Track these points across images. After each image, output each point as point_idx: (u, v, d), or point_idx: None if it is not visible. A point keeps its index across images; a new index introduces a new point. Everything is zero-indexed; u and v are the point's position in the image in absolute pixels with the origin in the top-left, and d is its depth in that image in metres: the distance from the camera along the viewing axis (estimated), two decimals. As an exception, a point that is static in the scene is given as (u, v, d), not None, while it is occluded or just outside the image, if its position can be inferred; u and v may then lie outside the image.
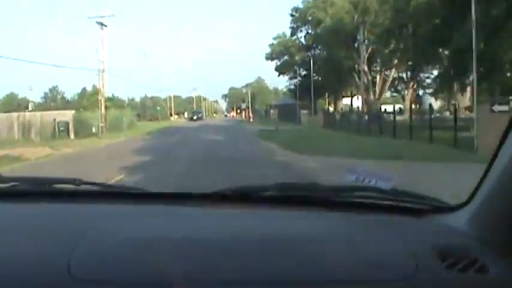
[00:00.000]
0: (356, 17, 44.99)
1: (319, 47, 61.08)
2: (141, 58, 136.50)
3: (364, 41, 41.43)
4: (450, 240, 1.26)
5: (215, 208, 1.54)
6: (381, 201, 1.53)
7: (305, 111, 45.09)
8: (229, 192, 1.57)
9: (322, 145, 18.07)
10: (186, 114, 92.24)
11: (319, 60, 57.03)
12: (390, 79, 50.12)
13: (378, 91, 49.42)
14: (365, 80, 46.38)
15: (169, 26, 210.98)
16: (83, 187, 1.66)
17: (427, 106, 44.27)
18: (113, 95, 74.55)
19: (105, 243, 1.22)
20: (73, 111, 35.86)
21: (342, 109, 45.51)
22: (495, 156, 1.23)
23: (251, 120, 58.29)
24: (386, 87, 50.95)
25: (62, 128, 32.50)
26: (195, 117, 77.55)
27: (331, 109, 52.69)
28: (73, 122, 32.89)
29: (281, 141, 20.24)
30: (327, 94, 61.77)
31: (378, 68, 49.77)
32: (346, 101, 64.78)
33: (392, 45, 29.97)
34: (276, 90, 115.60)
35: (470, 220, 1.30)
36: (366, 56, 44.58)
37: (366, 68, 44.96)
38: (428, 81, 55.89)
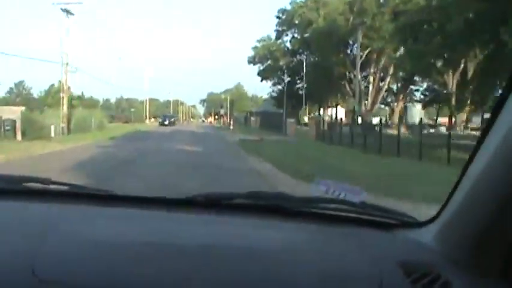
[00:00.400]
0: (351, 19, 41.04)
1: (305, 52, 57.20)
2: (119, 59, 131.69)
3: (360, 45, 37.25)
4: (416, 256, 1.26)
5: (185, 213, 1.52)
6: (350, 214, 1.51)
7: (292, 120, 40.66)
8: (199, 198, 1.55)
9: (340, 170, 12.44)
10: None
11: (307, 66, 52.96)
12: (384, 89, 46.44)
13: (370, 102, 45.66)
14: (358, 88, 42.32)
15: (150, 27, 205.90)
16: (52, 187, 1.65)
17: (413, 119, 40.71)
18: (82, 93, 70.70)
19: (71, 244, 1.20)
20: (22, 108, 31.04)
21: (331, 119, 41.33)
22: (464, 170, 1.19)
23: (231, 127, 53.57)
24: (379, 98, 47.24)
25: (7, 127, 27.71)
26: (166, 122, 66.01)
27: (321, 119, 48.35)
28: (21, 121, 28.03)
29: (274, 159, 15.05)
30: (307, 104, 57.42)
31: (372, 78, 46.08)
32: (329, 111, 60.84)
33: (408, 45, 25.40)
34: (255, 97, 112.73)
35: (437, 236, 1.29)
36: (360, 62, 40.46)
37: (359, 76, 40.91)
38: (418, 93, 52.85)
